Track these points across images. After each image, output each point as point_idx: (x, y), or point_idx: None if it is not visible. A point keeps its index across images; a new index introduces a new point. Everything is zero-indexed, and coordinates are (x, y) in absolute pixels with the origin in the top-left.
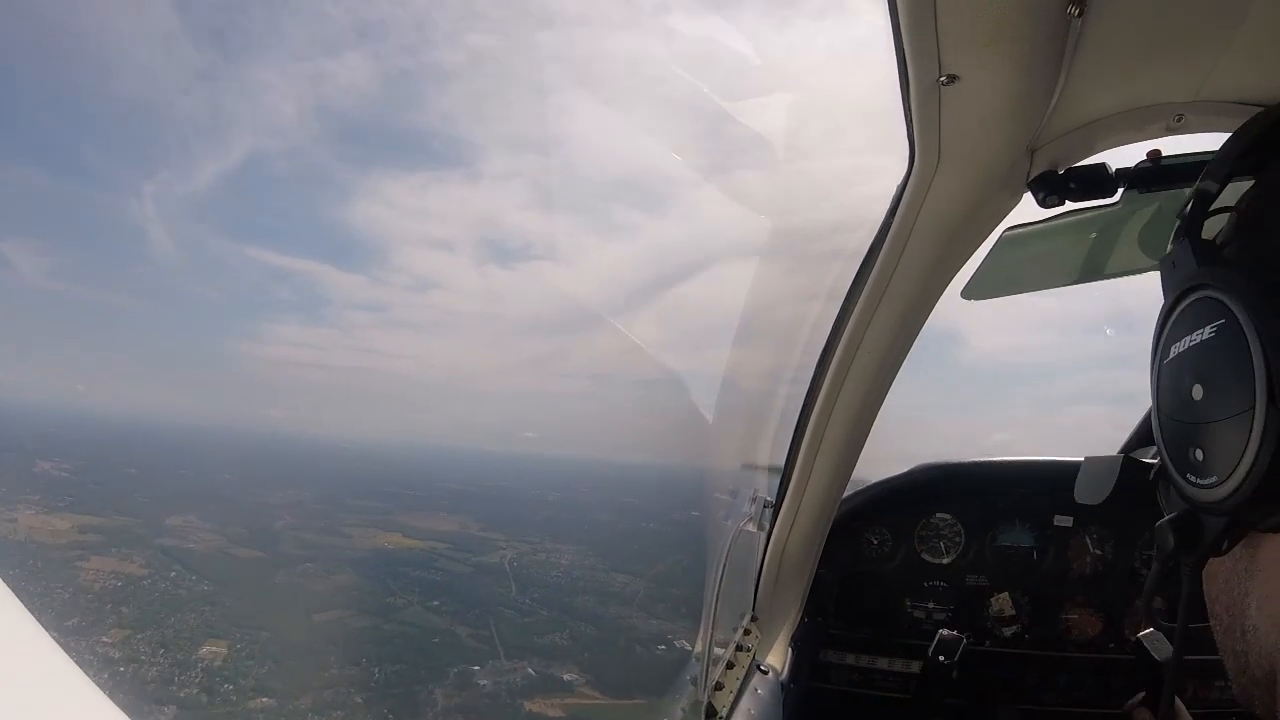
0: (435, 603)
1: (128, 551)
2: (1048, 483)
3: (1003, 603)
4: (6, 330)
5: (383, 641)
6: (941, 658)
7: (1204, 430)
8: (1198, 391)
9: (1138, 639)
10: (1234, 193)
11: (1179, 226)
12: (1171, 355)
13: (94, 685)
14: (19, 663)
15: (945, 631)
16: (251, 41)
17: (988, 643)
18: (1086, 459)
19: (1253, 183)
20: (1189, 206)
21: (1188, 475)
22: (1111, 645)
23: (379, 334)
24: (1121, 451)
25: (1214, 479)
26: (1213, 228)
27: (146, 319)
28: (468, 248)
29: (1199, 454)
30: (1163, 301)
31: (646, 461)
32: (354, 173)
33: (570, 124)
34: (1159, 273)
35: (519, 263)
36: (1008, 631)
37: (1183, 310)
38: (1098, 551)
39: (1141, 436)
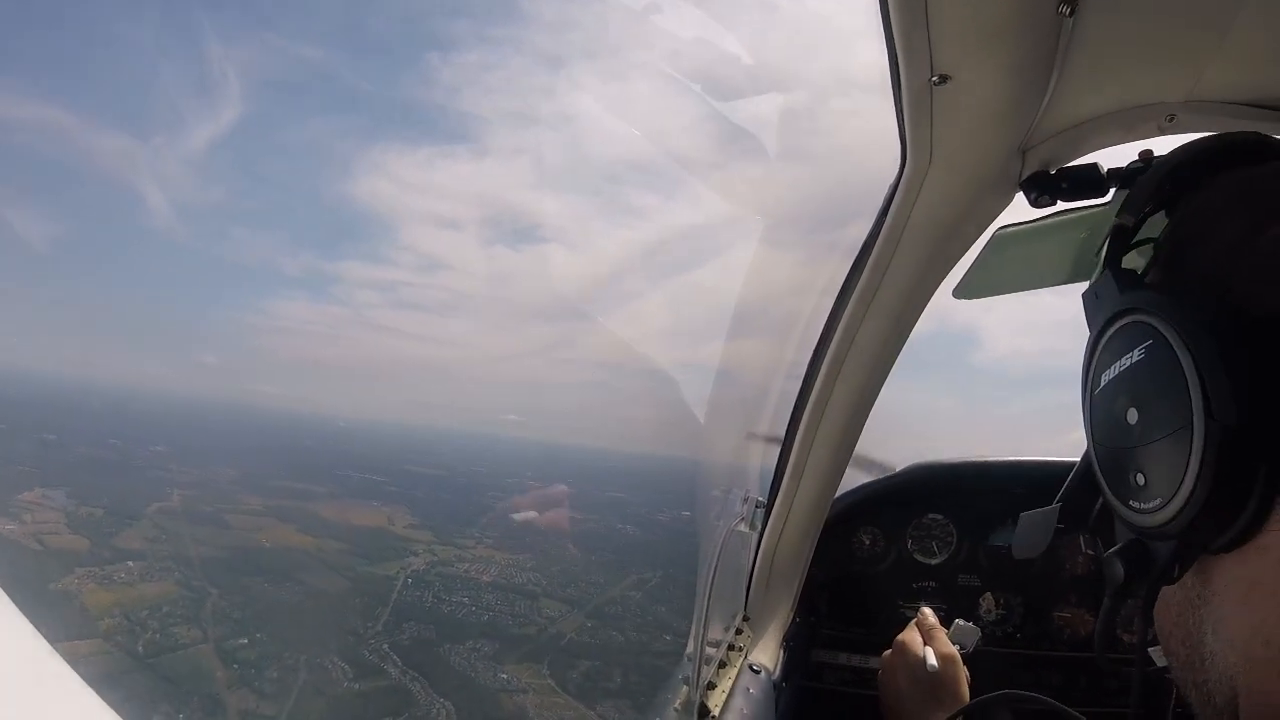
0: (244, 640)
1: None
2: (1039, 483)
3: (989, 602)
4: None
5: None
6: (960, 647)
7: (1143, 453)
8: (1132, 415)
9: (1142, 649)
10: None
11: (1102, 260)
12: (1102, 384)
13: (86, 685)
14: (11, 663)
15: (961, 621)
16: (254, 6)
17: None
18: (1022, 515)
19: (1167, 218)
20: (1107, 241)
21: (1130, 502)
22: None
23: (384, 313)
24: (1059, 500)
25: (1158, 501)
26: (1131, 264)
27: (144, 290)
28: (473, 227)
29: (1139, 478)
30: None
31: (642, 451)
32: (358, 144)
33: (576, 101)
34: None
35: (526, 244)
36: (1000, 631)
37: (1110, 337)
38: (1090, 552)
39: (1075, 480)
